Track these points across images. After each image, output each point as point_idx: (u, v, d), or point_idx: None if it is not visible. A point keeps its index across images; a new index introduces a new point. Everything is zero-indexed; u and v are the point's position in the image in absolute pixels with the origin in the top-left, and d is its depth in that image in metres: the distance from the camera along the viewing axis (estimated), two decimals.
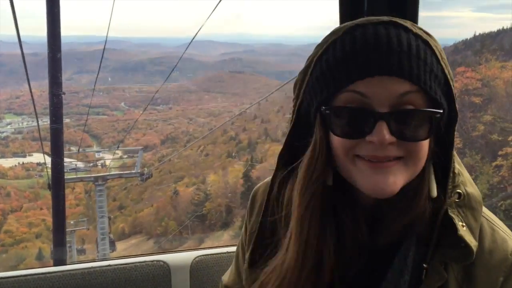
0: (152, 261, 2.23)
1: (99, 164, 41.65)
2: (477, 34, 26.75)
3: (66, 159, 25.38)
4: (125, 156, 36.65)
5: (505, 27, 25.67)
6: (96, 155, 44.32)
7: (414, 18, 1.63)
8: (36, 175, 43.89)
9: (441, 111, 1.01)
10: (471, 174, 1.16)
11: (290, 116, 1.14)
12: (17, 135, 51.77)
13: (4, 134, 51.24)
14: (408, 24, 1.01)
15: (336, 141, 1.02)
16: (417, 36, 1.00)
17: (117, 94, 63.14)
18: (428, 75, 0.97)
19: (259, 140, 41.86)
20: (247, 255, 1.24)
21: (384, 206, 1.06)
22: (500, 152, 19.30)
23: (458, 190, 1.06)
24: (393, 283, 1.06)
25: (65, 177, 10.45)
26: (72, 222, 29.07)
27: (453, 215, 1.04)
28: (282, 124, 38.71)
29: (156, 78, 63.14)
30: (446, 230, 1.04)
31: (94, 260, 2.32)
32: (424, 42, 1.00)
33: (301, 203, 1.07)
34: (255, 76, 65.58)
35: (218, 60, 74.75)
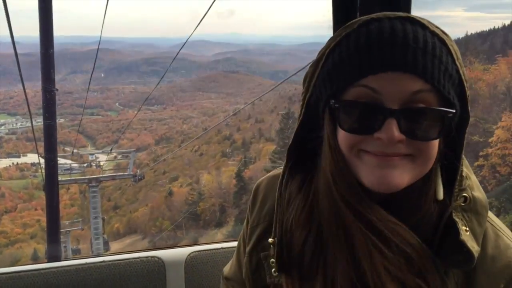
0: (147, 257, 2.21)
1: (94, 165, 41.56)
2: (469, 33, 27.07)
3: (60, 160, 25.43)
4: (119, 157, 36.52)
5: (496, 27, 26.04)
6: (90, 158, 44.15)
7: None
8: (30, 175, 43.73)
9: (454, 111, 0.97)
10: None
11: (299, 109, 1.12)
12: (11, 136, 51.57)
13: None
14: (425, 21, 0.98)
15: (342, 135, 1.00)
16: (433, 34, 0.96)
17: (111, 94, 62.97)
18: (442, 74, 0.94)
19: (253, 140, 41.91)
20: (248, 248, 1.25)
21: (390, 206, 1.03)
22: (481, 153, 19.98)
23: (465, 194, 1.03)
24: None
25: (59, 178, 10.43)
26: (67, 222, 29.02)
27: (457, 219, 1.01)
28: (275, 123, 38.77)
29: (150, 78, 63.11)
30: (449, 234, 1.01)
31: (88, 256, 2.28)
32: (440, 41, 0.97)
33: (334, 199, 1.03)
34: (249, 76, 65.58)
35: (212, 60, 74.63)
